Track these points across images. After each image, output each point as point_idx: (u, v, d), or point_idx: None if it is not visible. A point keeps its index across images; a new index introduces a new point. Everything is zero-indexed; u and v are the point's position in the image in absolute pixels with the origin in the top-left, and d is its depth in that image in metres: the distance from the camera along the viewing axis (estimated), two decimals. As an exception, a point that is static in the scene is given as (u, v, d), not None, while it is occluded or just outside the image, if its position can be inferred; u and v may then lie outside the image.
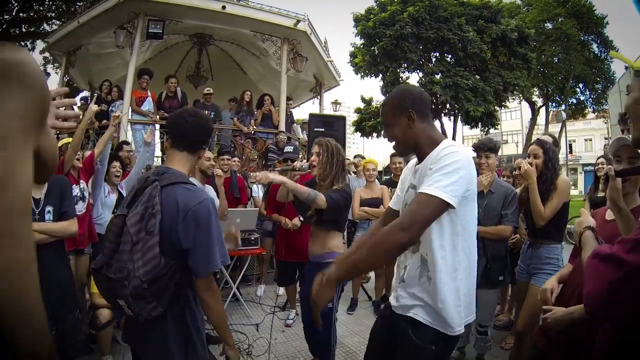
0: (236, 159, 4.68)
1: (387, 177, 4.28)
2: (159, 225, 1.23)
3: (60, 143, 2.96)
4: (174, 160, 1.41)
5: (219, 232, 1.33)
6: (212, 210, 1.32)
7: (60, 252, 2.03)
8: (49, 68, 12.61)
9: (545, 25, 19.83)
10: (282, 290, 4.32)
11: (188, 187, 1.33)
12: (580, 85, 21.11)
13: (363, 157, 5.34)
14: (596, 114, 24.15)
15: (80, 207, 2.80)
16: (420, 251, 1.32)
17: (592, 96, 21.72)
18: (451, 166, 1.20)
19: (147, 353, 1.39)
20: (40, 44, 13.42)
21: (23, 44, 15.33)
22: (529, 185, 2.39)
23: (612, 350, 1.04)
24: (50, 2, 14.15)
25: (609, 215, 1.64)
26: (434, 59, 16.44)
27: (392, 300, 1.44)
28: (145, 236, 1.22)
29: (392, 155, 3.99)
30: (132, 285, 1.20)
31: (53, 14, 14.31)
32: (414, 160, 1.48)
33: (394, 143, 1.44)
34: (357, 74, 17.42)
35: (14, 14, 13.51)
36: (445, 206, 1.17)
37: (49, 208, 1.95)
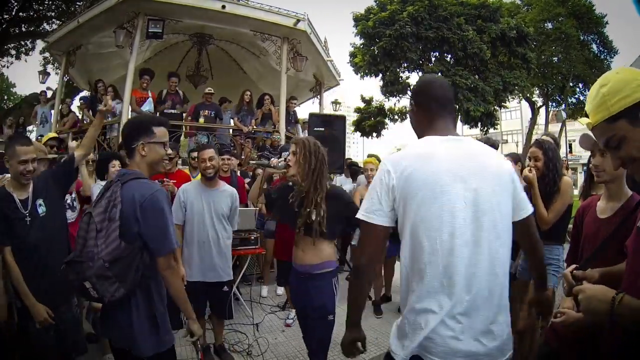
0: (233, 158, 4.66)
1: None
2: (120, 213, 1.44)
3: (44, 139, 2.97)
4: (129, 166, 1.68)
5: (171, 219, 1.58)
6: (164, 199, 1.55)
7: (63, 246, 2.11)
8: (49, 68, 12.55)
9: (545, 25, 19.81)
10: (281, 290, 4.32)
11: (143, 181, 1.56)
12: (580, 85, 21.06)
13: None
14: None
15: (70, 216, 2.83)
16: None
17: (592, 96, 21.68)
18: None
19: (117, 336, 1.57)
20: (40, 44, 13.42)
21: (23, 43, 15.35)
22: (532, 192, 2.38)
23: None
24: (50, 2, 14.12)
25: (601, 212, 1.64)
26: (433, 59, 16.42)
27: None
28: (108, 223, 1.43)
29: None
30: (96, 266, 1.38)
31: (53, 14, 14.27)
32: None
33: None
34: (357, 74, 17.37)
35: (13, 13, 13.48)
36: (372, 227, 1.16)
37: (40, 201, 2.03)
